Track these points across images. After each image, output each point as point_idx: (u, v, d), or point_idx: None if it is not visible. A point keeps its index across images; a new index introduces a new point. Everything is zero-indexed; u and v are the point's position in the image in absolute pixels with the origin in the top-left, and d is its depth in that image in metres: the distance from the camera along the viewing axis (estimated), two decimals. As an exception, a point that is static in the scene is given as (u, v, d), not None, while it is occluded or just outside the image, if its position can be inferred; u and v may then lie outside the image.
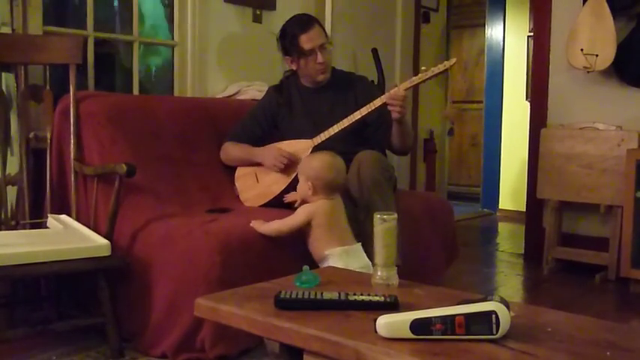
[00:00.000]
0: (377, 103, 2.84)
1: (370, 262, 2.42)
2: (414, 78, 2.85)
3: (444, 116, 5.79)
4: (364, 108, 2.87)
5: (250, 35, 3.99)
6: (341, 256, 2.41)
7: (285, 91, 3.13)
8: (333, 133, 2.91)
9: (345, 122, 2.89)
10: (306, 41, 2.95)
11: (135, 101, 3.22)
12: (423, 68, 2.83)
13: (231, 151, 3.14)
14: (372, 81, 4.53)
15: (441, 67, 2.77)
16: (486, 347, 1.26)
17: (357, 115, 2.86)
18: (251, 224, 2.55)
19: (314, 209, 2.49)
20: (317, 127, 2.96)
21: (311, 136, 2.95)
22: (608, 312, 3.36)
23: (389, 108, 2.79)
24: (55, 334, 2.48)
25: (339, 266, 2.34)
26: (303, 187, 2.54)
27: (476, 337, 1.27)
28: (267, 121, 3.16)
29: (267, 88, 3.32)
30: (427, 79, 2.81)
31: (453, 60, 2.80)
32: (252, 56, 4.01)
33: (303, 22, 2.99)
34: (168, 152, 3.05)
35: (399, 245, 2.65)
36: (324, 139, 2.93)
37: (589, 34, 3.90)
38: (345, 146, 2.96)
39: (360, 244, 2.50)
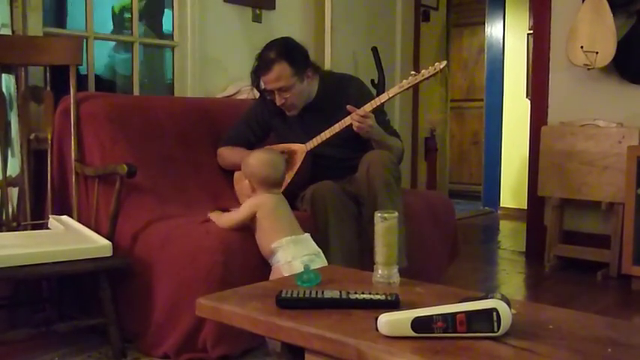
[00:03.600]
0: (367, 108, 2.80)
1: (320, 249, 2.46)
2: (390, 90, 2.83)
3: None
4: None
5: (250, 35, 3.99)
6: (288, 245, 2.39)
7: None
8: (325, 138, 2.89)
9: (337, 127, 2.86)
10: (264, 83, 2.93)
11: (135, 102, 3.22)
12: (412, 73, 2.78)
13: (228, 156, 3.12)
14: (373, 80, 4.53)
15: (431, 70, 2.72)
16: (488, 345, 1.26)
17: (347, 121, 2.81)
18: (209, 216, 2.60)
19: (257, 202, 2.51)
20: (311, 138, 2.95)
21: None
22: (610, 309, 3.36)
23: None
24: (57, 335, 2.48)
25: (288, 256, 2.37)
26: (247, 187, 2.59)
27: (477, 335, 1.27)
28: (260, 128, 3.13)
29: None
30: (411, 86, 2.78)
31: (443, 63, 2.73)
32: (252, 56, 3.97)
33: (262, 64, 2.90)
34: (169, 152, 3.06)
35: (405, 246, 2.67)
36: (316, 144, 2.91)
37: (589, 32, 3.90)
38: (342, 152, 2.96)
39: (309, 234, 2.49)
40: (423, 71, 2.75)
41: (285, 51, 2.88)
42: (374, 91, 3.96)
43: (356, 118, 2.77)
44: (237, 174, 3.08)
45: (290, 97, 2.91)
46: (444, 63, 2.74)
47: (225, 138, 3.18)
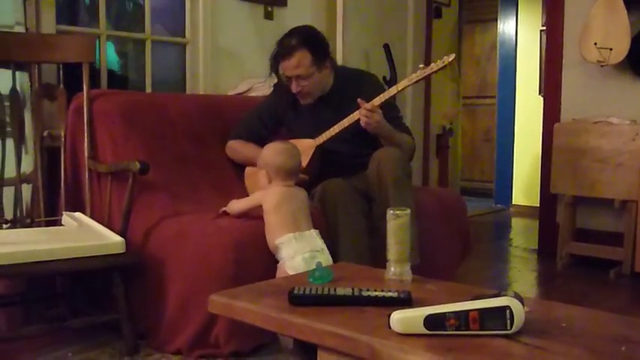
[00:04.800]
0: (375, 102, 2.79)
1: (324, 246, 2.45)
2: (399, 84, 2.84)
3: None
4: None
5: (262, 32, 3.99)
6: (290, 242, 2.39)
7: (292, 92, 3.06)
8: (334, 133, 2.89)
9: (345, 122, 2.86)
10: (283, 69, 2.93)
11: (147, 99, 3.23)
12: (421, 66, 2.78)
13: (240, 150, 3.13)
14: (385, 77, 4.52)
15: (439, 64, 2.72)
16: (500, 342, 1.25)
17: (356, 115, 2.81)
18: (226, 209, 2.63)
19: (263, 194, 2.53)
20: (321, 133, 2.95)
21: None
22: (623, 307, 3.35)
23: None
24: (71, 330, 2.49)
25: (290, 253, 2.37)
26: (262, 178, 2.60)
27: (490, 333, 1.27)
28: (272, 121, 3.13)
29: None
30: (420, 79, 2.78)
31: (452, 55, 2.72)
32: (264, 53, 3.98)
33: (283, 49, 2.89)
34: (181, 149, 3.07)
35: (417, 242, 2.67)
36: (325, 139, 2.92)
37: (603, 28, 3.88)
38: (352, 148, 2.95)
39: (315, 231, 2.48)
40: (432, 64, 2.75)
41: (308, 39, 2.89)
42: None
43: (363, 112, 2.76)
44: (248, 169, 3.09)
45: (307, 85, 2.92)
46: (453, 56, 2.72)
47: (235, 130, 3.18)
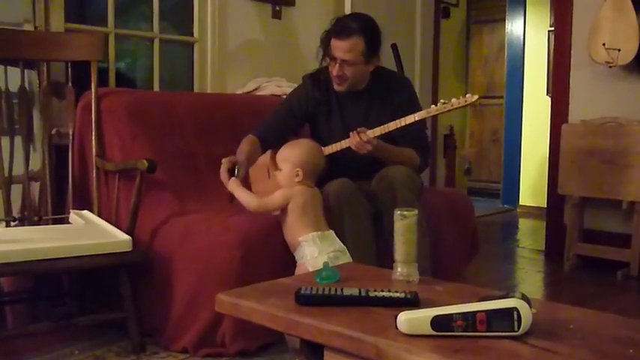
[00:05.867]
0: (374, 133, 2.73)
1: (345, 247, 2.45)
2: (416, 114, 2.74)
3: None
4: (377, 129, 2.74)
5: (270, 31, 3.99)
6: (315, 241, 2.40)
7: (323, 84, 2.98)
8: (344, 146, 2.82)
9: (345, 143, 2.80)
10: (333, 47, 2.81)
11: (155, 97, 3.24)
12: (442, 101, 2.69)
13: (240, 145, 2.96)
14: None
15: (462, 102, 2.65)
16: (508, 344, 1.25)
17: (349, 142, 2.75)
18: (229, 184, 2.59)
19: (292, 193, 2.49)
20: (347, 133, 2.82)
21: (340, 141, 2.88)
22: (631, 309, 3.33)
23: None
24: (77, 328, 2.50)
25: (314, 252, 2.37)
26: (289, 175, 2.52)
27: (497, 334, 1.27)
28: (302, 112, 3.00)
29: (287, 83, 3.25)
30: (439, 113, 2.71)
31: (475, 96, 2.65)
32: (272, 52, 4.02)
33: (342, 28, 2.80)
34: (189, 148, 3.07)
35: (430, 257, 2.65)
36: (332, 151, 2.86)
37: (611, 29, 3.86)
38: (358, 164, 2.86)
39: (333, 231, 2.48)
40: (452, 100, 2.67)
41: (368, 28, 2.82)
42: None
43: (354, 142, 2.70)
44: (261, 158, 3.02)
45: (349, 72, 2.83)
46: (476, 97, 2.66)
47: (261, 123, 3.00)
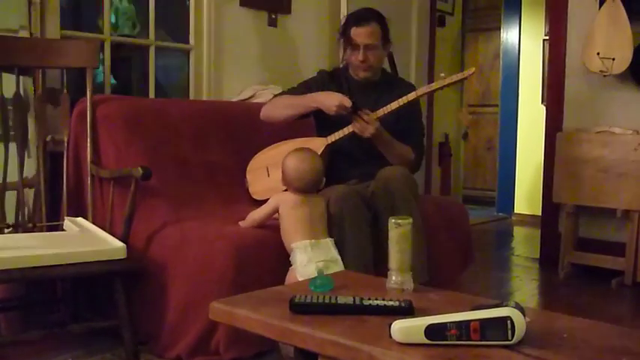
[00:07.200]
0: (393, 106, 2.83)
1: (339, 257, 2.46)
2: (418, 90, 2.89)
3: (458, 120, 5.77)
4: (380, 110, 2.84)
5: (266, 39, 4.00)
6: (306, 249, 2.40)
7: (337, 79, 3.09)
8: (347, 132, 2.89)
9: (350, 128, 2.86)
10: (355, 35, 2.95)
11: (151, 104, 3.23)
12: (442, 75, 2.83)
13: (280, 99, 3.08)
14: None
15: (459, 75, 2.80)
16: (501, 353, 1.25)
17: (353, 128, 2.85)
18: (240, 224, 2.62)
19: (280, 198, 2.54)
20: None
21: None
22: (625, 317, 3.34)
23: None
24: (71, 336, 2.49)
25: (304, 260, 2.37)
26: (281, 181, 2.62)
27: (491, 343, 1.27)
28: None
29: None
30: (438, 89, 2.84)
31: (472, 69, 2.83)
32: (268, 60, 4.02)
33: (360, 17, 2.98)
34: (184, 155, 3.07)
35: (426, 260, 2.66)
36: (336, 138, 2.92)
37: (605, 38, 3.88)
38: (361, 153, 2.95)
39: (331, 240, 2.50)
40: (452, 75, 2.81)
41: (381, 18, 3.01)
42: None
43: (358, 125, 2.80)
44: (252, 164, 3.11)
45: (372, 56, 2.97)
46: (473, 69, 2.86)
47: (277, 95, 3.17)
